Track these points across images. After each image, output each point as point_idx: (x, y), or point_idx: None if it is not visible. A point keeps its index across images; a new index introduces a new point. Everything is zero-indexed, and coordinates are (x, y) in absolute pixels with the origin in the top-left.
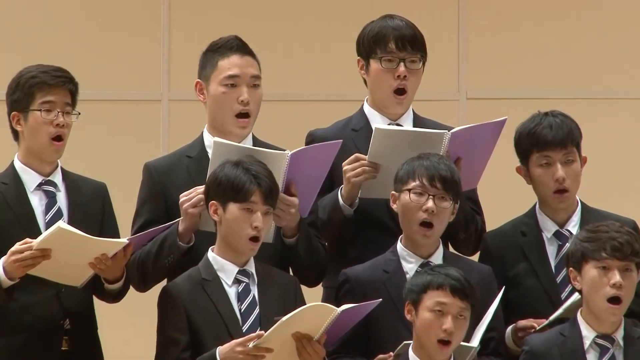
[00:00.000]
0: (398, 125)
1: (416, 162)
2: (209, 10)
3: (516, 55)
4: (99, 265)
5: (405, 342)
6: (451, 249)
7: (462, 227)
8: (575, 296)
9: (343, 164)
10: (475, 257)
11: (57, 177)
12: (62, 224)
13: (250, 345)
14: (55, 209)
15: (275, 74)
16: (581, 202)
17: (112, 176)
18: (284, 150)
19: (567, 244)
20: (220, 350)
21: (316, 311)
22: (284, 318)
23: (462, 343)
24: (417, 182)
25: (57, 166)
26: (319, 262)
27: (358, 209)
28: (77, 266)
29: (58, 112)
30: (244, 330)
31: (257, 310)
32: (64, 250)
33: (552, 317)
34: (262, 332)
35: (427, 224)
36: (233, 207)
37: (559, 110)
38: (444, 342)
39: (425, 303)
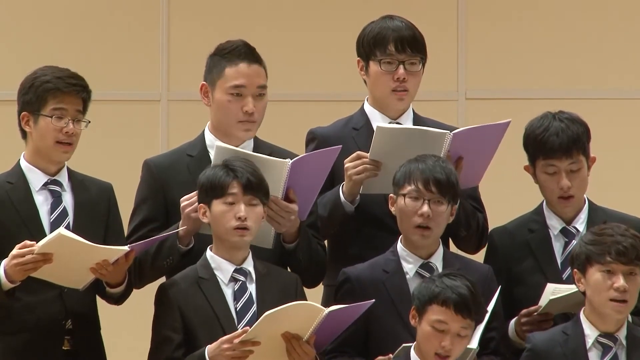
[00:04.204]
0: (398, 124)
1: (413, 165)
2: (209, 10)
3: (515, 55)
4: (100, 270)
5: (404, 344)
6: (453, 248)
7: (464, 225)
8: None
9: (345, 161)
10: (482, 253)
11: (63, 177)
12: (63, 230)
13: (236, 341)
14: (60, 208)
15: (275, 74)
16: (588, 200)
17: (110, 176)
18: (287, 151)
19: (574, 241)
20: (209, 348)
21: (303, 310)
22: (268, 312)
23: None
24: (412, 187)
25: (63, 166)
26: (318, 264)
27: (358, 206)
28: (78, 270)
29: (69, 119)
30: (239, 329)
31: (253, 309)
32: (65, 254)
33: (553, 297)
34: (247, 327)
35: (423, 227)
36: (216, 204)
37: (568, 111)
38: (442, 356)
39: (428, 316)
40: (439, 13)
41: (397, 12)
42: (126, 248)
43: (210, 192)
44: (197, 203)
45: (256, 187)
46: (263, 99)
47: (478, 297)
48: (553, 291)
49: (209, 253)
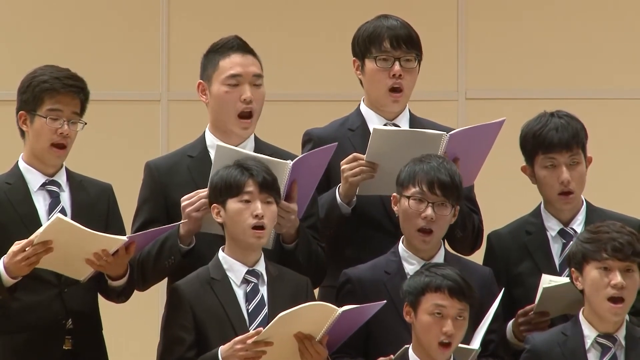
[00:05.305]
0: (395, 125)
1: (417, 165)
2: (209, 10)
3: (516, 55)
4: (99, 262)
5: (406, 345)
6: (449, 249)
7: (459, 226)
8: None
9: (341, 163)
10: (480, 255)
11: (62, 177)
12: (61, 215)
13: (250, 342)
14: (59, 208)
15: (274, 74)
16: (586, 201)
17: (111, 176)
18: (287, 152)
19: (572, 243)
20: (222, 349)
21: (317, 310)
22: (282, 313)
23: (464, 345)
24: (417, 189)
25: (61, 166)
26: (317, 265)
27: (355, 208)
28: (78, 260)
29: (64, 121)
30: (250, 331)
31: (265, 311)
32: (64, 242)
33: (548, 285)
34: (261, 328)
35: (425, 231)
36: (231, 203)
37: (564, 110)
38: (444, 344)
39: (424, 306)
40: (439, 13)
41: (396, 12)
42: (124, 238)
43: (225, 192)
44: (197, 202)
45: (271, 186)
46: (260, 89)
47: (468, 281)
48: (549, 282)
49: (221, 254)
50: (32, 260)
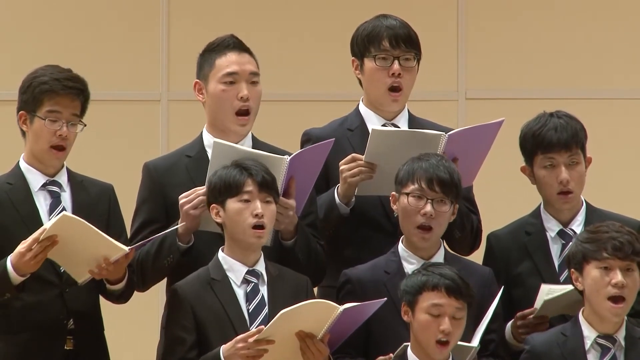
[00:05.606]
0: (394, 125)
1: (416, 163)
2: (208, 10)
3: (516, 55)
4: (101, 272)
5: (405, 343)
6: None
7: (458, 227)
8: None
9: (340, 163)
10: (480, 255)
11: (62, 178)
12: (67, 213)
13: (251, 340)
14: (59, 208)
15: (273, 74)
16: (586, 202)
17: (111, 176)
18: (285, 151)
19: (571, 243)
20: (223, 348)
21: (318, 308)
22: (284, 310)
23: (463, 343)
24: (416, 186)
25: (62, 167)
26: (317, 263)
27: (354, 208)
28: (80, 261)
29: (63, 122)
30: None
31: (265, 310)
32: (69, 239)
33: (548, 297)
34: (263, 327)
35: (425, 228)
36: (231, 203)
37: (564, 110)
38: (442, 343)
39: (421, 304)
40: (439, 13)
41: (396, 12)
42: (126, 249)
43: (225, 192)
44: (195, 200)
45: (270, 185)
46: (257, 87)
47: (465, 280)
48: (548, 292)
49: (220, 254)
50: (39, 257)
